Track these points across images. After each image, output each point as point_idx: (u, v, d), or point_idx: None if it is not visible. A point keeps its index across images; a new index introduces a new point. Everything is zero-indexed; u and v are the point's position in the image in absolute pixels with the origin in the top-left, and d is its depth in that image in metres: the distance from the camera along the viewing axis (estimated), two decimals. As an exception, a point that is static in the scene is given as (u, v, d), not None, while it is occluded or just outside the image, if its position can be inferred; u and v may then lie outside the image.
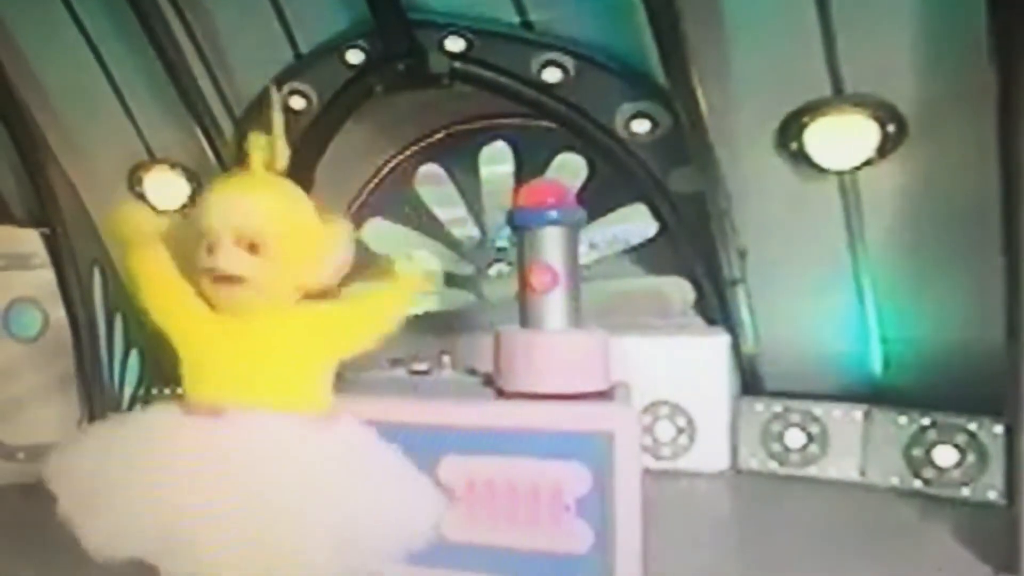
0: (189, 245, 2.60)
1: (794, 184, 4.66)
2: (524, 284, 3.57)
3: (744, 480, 5.08)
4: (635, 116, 5.06)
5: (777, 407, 5.10)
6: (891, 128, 4.31)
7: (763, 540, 4.16)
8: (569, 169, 6.00)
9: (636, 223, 5.84)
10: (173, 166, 5.86)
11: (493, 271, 6.47)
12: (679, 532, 3.96)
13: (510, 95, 5.29)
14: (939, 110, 4.18)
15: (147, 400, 5.87)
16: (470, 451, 3.40)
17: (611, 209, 5.77)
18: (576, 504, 3.30)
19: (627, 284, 5.92)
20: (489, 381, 3.68)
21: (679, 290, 5.52)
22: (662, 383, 5.08)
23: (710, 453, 5.16)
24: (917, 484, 4.63)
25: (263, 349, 2.57)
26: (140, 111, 5.77)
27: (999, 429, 4.19)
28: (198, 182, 5.63)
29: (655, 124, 5.04)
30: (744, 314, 5.09)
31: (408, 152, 6.54)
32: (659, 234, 5.53)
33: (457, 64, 5.21)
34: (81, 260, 5.81)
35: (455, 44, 5.19)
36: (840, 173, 4.54)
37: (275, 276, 2.54)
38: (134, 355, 6.18)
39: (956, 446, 4.54)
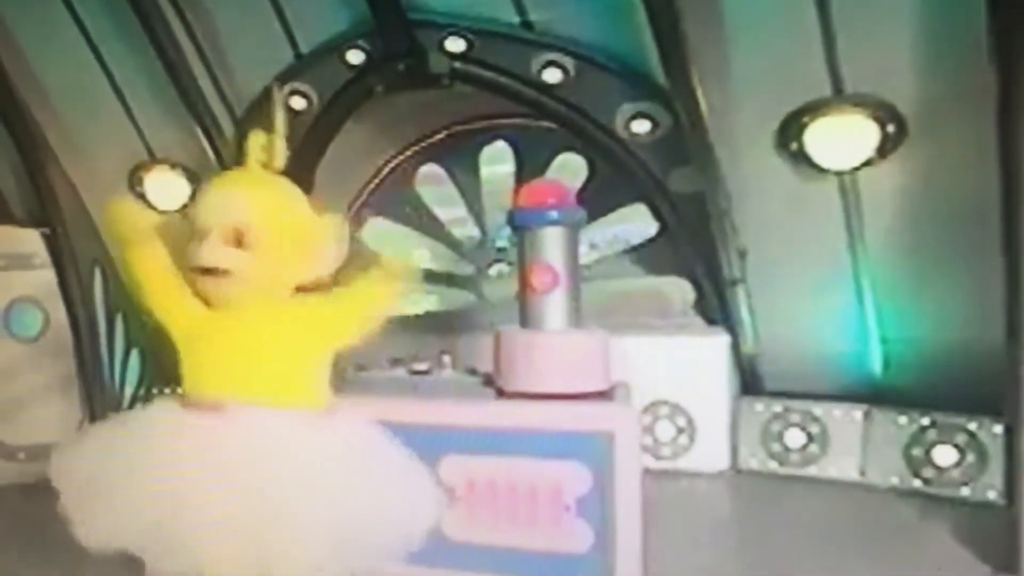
0: (186, 242, 2.61)
1: (794, 184, 4.67)
2: (524, 284, 3.57)
3: (744, 480, 5.08)
4: (635, 116, 5.07)
5: (777, 407, 5.10)
6: (891, 128, 4.32)
7: (763, 540, 4.16)
8: (569, 169, 6.00)
9: (636, 223, 5.84)
10: (173, 166, 5.87)
11: (493, 271, 6.47)
12: (679, 532, 3.96)
13: (510, 95, 5.30)
14: (939, 110, 4.19)
15: (148, 400, 5.86)
16: (470, 451, 3.41)
17: (611, 209, 5.78)
18: (576, 504, 3.31)
19: (627, 284, 5.93)
20: (489, 381, 3.69)
21: (679, 290, 5.52)
22: (662, 383, 5.08)
23: (710, 453, 5.16)
24: (917, 484, 4.63)
25: (255, 344, 2.58)
26: (140, 111, 5.78)
27: (999, 429, 4.19)
28: (198, 182, 5.61)
29: (655, 124, 5.04)
30: (744, 314, 5.09)
31: (408, 152, 6.54)
32: (659, 234, 5.54)
33: (457, 64, 5.22)
34: (82, 260, 5.82)
35: (455, 44, 5.20)
36: (840, 173, 4.55)
37: (262, 270, 2.54)
38: (135, 355, 6.19)
39: (956, 446, 4.54)
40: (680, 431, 5.20)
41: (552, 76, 5.12)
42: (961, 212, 4.27)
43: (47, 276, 5.71)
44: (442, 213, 6.70)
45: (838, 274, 4.79)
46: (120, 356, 6.12)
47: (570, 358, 3.51)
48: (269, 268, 2.55)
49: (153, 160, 5.93)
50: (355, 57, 5.41)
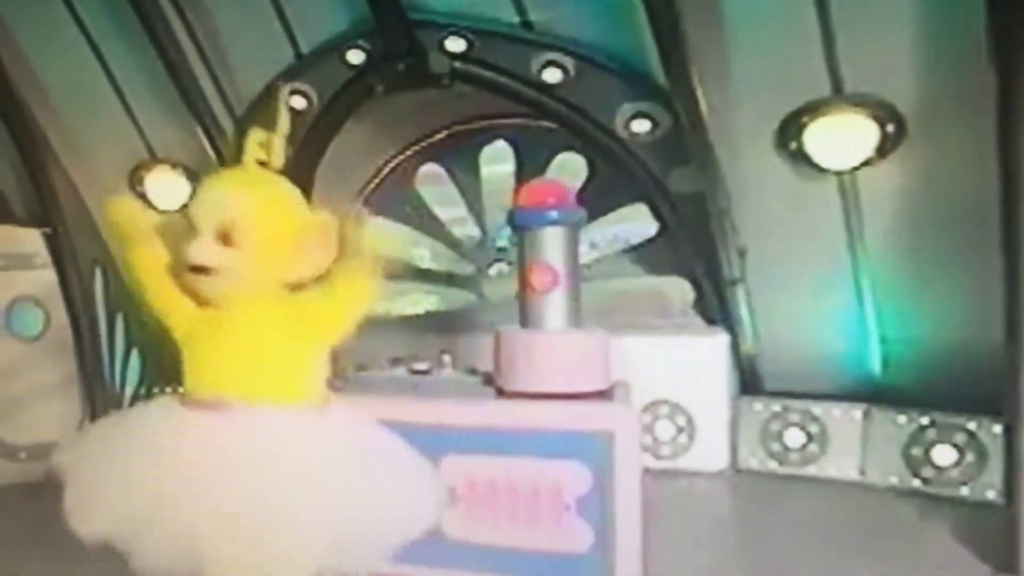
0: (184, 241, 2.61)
1: (794, 184, 4.67)
2: (524, 284, 3.57)
3: (743, 479, 5.09)
4: (635, 116, 5.07)
5: (776, 406, 5.11)
6: (890, 128, 4.32)
7: (762, 539, 4.17)
8: (569, 169, 6.00)
9: (636, 223, 5.85)
10: (174, 166, 5.87)
11: (493, 271, 6.47)
12: (679, 531, 3.97)
13: (510, 95, 5.30)
14: (939, 110, 4.19)
15: (148, 399, 5.88)
16: (470, 451, 3.41)
17: (611, 209, 5.78)
18: (576, 503, 3.31)
19: (627, 284, 5.94)
20: (489, 381, 3.69)
21: (679, 290, 5.53)
22: (662, 382, 5.08)
23: (710, 452, 5.16)
24: (916, 483, 4.64)
25: (248, 341, 2.58)
26: (141, 110, 5.78)
27: (998, 428, 4.20)
28: (199, 182, 5.60)
29: (655, 124, 5.04)
30: (744, 314, 5.10)
31: (409, 152, 6.55)
32: (659, 234, 5.54)
33: (457, 64, 5.22)
34: (82, 259, 5.83)
35: (455, 44, 5.20)
36: (839, 173, 4.55)
37: (250, 267, 2.53)
38: (135, 354, 6.20)
39: (955, 445, 4.55)
40: (680, 430, 5.20)
41: (552, 76, 5.12)
42: (961, 212, 4.27)
43: (48, 276, 5.72)
44: (442, 213, 6.70)
45: (838, 274, 4.79)
46: (120, 356, 6.13)
47: (570, 358, 3.51)
48: (258, 265, 2.55)
49: (154, 159, 5.94)
50: (355, 57, 5.42)
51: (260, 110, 5.19)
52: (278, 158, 2.70)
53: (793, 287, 4.92)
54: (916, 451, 4.65)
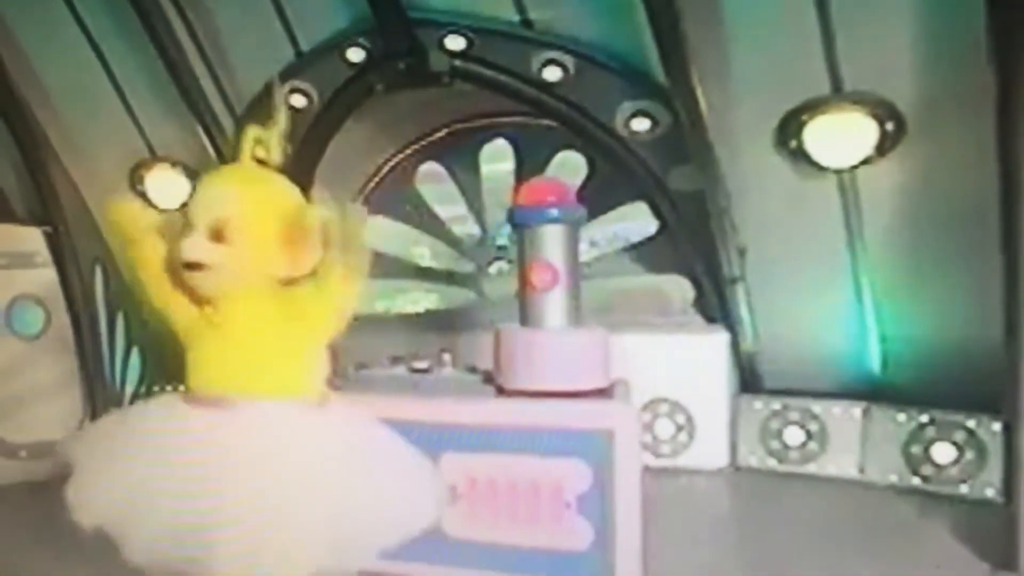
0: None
1: (793, 182, 4.68)
2: (524, 282, 3.58)
3: (743, 477, 5.09)
4: (635, 114, 5.07)
5: (776, 405, 5.11)
6: (890, 126, 4.32)
7: (762, 537, 4.17)
8: (569, 167, 6.01)
9: (636, 221, 5.85)
10: (174, 164, 5.87)
11: (493, 269, 6.48)
12: (679, 529, 3.98)
13: (510, 93, 5.30)
14: (938, 109, 4.19)
15: (148, 398, 5.88)
16: (470, 449, 3.42)
17: (611, 207, 5.79)
18: (576, 501, 3.32)
19: (627, 282, 5.94)
20: (489, 379, 3.69)
21: (679, 288, 5.53)
22: (662, 381, 5.09)
23: (709, 450, 5.17)
24: (916, 481, 4.65)
25: (245, 338, 2.59)
26: (141, 109, 5.78)
27: (997, 427, 4.21)
28: (199, 181, 5.63)
29: (655, 122, 5.05)
30: (743, 312, 5.10)
31: (409, 150, 6.55)
32: (659, 232, 5.54)
33: (457, 62, 5.22)
34: (83, 258, 5.83)
35: (455, 43, 5.20)
36: (839, 171, 4.56)
37: (242, 263, 2.54)
38: (135, 353, 6.20)
39: (955, 443, 4.55)
40: (679, 429, 5.21)
41: (552, 74, 5.13)
42: (960, 211, 4.28)
43: (48, 274, 5.72)
44: (442, 211, 6.70)
45: (837, 272, 4.79)
46: (121, 354, 6.13)
47: (570, 356, 3.52)
48: (249, 262, 2.56)
49: (154, 158, 5.94)
50: (355, 55, 5.42)
51: (260, 108, 5.19)
52: (276, 155, 2.71)
53: (793, 285, 4.92)
54: (915, 449, 4.66)
